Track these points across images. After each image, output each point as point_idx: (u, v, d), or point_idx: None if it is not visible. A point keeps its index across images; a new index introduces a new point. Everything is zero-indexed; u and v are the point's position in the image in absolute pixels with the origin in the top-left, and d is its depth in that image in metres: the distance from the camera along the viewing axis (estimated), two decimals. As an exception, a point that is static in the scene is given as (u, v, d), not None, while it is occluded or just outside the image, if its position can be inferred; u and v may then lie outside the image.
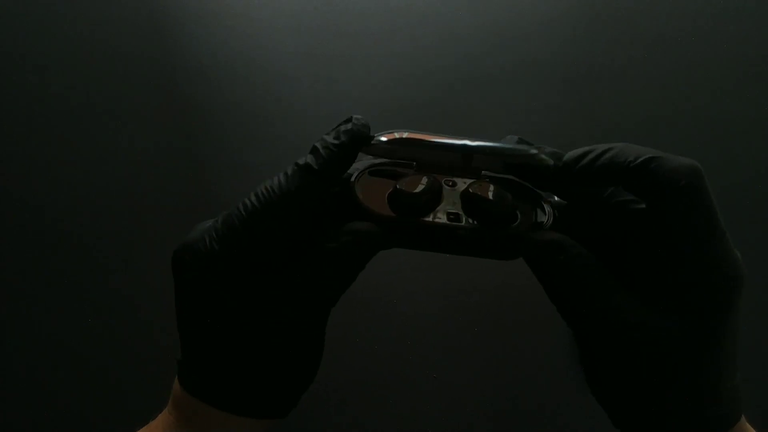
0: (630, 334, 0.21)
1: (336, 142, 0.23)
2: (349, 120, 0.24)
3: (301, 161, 0.23)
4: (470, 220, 0.24)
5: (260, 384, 0.24)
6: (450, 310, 0.51)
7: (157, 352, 0.50)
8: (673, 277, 0.22)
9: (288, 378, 0.25)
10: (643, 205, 0.23)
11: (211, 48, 0.62)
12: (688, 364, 0.21)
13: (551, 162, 0.23)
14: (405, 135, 0.24)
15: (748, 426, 0.24)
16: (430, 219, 0.24)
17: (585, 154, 0.23)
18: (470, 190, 0.24)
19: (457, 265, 0.51)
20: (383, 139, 0.24)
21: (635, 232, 0.24)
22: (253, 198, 0.23)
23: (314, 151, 0.23)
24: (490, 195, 0.24)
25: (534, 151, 0.24)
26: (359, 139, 0.23)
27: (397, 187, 0.24)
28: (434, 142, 0.24)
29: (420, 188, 0.24)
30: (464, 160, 0.25)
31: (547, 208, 0.25)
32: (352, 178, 0.24)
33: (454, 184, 0.25)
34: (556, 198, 0.26)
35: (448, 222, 0.24)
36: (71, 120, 0.60)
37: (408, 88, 0.61)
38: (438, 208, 0.24)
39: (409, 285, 0.52)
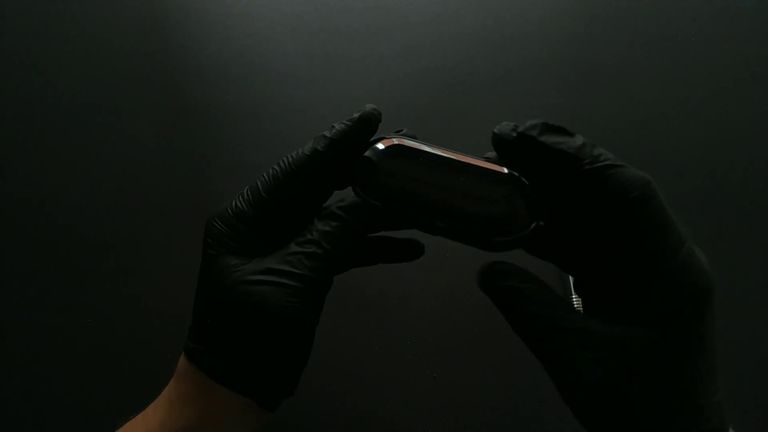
0: (593, 353, 0.21)
1: (349, 118, 0.26)
2: (362, 107, 0.27)
3: (317, 136, 0.26)
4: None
5: (255, 362, 0.24)
6: (450, 310, 0.51)
7: (157, 351, 0.50)
8: (634, 291, 0.22)
9: (282, 361, 0.25)
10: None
11: (211, 48, 0.62)
12: (659, 379, 0.21)
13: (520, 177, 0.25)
14: (395, 141, 0.26)
15: None
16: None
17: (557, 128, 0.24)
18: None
19: (458, 265, 0.51)
20: (380, 146, 0.26)
21: (601, 248, 0.24)
22: (275, 166, 0.26)
23: (330, 127, 0.27)
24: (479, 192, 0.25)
25: (506, 171, 0.25)
26: (369, 118, 0.26)
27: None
28: (424, 151, 0.25)
29: None
30: None
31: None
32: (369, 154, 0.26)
33: None
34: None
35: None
36: (71, 120, 0.60)
37: (408, 88, 0.61)
38: None
39: (409, 285, 0.52)
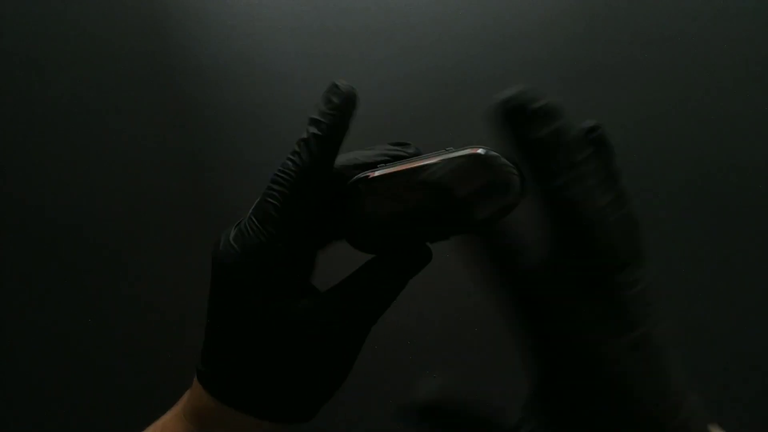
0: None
1: (330, 105, 0.24)
2: (333, 85, 0.24)
3: (304, 135, 0.23)
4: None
5: (287, 390, 0.24)
6: (450, 310, 0.51)
7: (157, 351, 0.50)
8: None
9: (314, 388, 0.25)
10: None
11: (211, 48, 0.62)
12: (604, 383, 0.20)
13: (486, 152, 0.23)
14: (360, 186, 0.25)
15: None
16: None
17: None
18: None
19: (458, 265, 0.51)
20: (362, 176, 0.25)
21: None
22: (276, 187, 0.23)
23: (314, 122, 0.24)
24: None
25: (479, 151, 0.24)
26: (351, 99, 0.24)
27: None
28: (393, 173, 0.25)
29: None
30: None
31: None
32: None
33: None
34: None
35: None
36: (71, 120, 0.60)
37: (408, 88, 0.61)
38: None
39: (409, 285, 0.52)
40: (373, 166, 0.25)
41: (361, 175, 0.25)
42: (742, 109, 0.58)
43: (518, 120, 0.20)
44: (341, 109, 0.24)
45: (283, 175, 0.23)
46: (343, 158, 0.25)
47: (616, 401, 0.20)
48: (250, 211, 0.24)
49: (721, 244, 0.54)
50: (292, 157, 0.23)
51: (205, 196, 0.56)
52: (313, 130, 0.23)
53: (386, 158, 0.26)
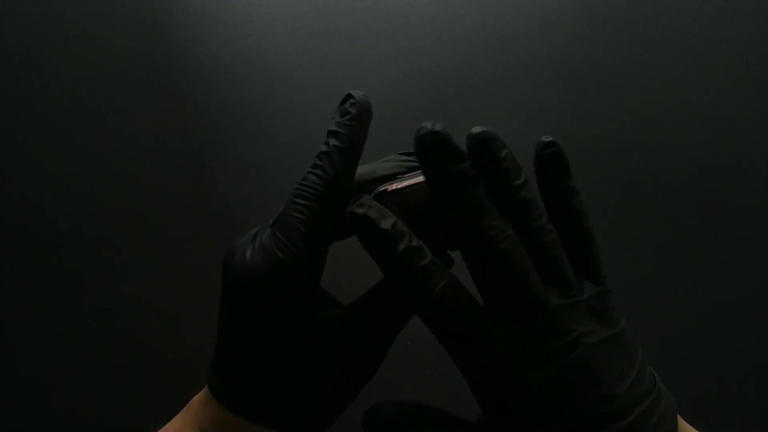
0: (485, 357, 0.21)
1: (348, 116, 0.24)
2: (348, 96, 0.24)
3: (325, 148, 0.23)
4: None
5: (310, 402, 0.24)
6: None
7: (157, 351, 0.50)
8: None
9: (336, 399, 0.25)
10: None
11: (211, 48, 0.62)
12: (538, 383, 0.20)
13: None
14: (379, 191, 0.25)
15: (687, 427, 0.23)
16: None
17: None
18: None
19: (458, 264, 0.51)
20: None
21: None
22: (301, 201, 0.23)
23: (334, 134, 0.23)
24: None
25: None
26: (367, 108, 0.24)
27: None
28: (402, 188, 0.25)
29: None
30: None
31: None
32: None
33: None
34: None
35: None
36: (71, 120, 0.60)
37: (408, 88, 0.61)
38: None
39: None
40: (392, 177, 0.25)
41: (382, 187, 0.25)
42: (742, 109, 0.58)
43: (437, 154, 0.21)
44: (359, 119, 0.24)
45: (307, 188, 0.23)
46: (361, 170, 0.25)
47: (551, 410, 0.19)
48: (272, 224, 0.23)
49: (721, 244, 0.54)
50: (314, 170, 0.23)
51: (205, 196, 0.56)
52: (334, 142, 0.23)
53: (404, 170, 0.26)
